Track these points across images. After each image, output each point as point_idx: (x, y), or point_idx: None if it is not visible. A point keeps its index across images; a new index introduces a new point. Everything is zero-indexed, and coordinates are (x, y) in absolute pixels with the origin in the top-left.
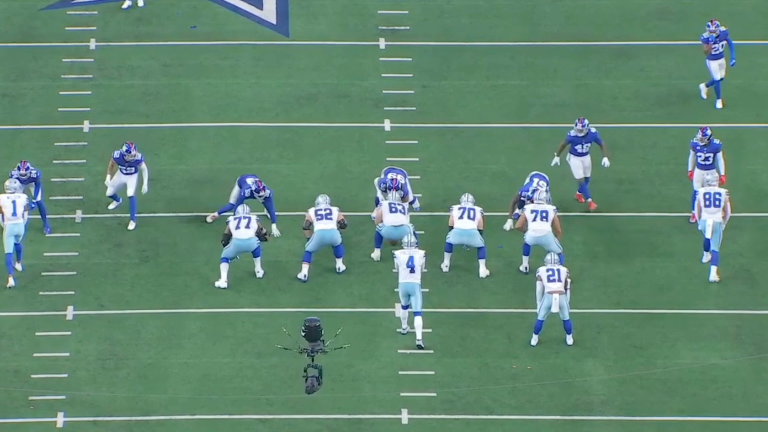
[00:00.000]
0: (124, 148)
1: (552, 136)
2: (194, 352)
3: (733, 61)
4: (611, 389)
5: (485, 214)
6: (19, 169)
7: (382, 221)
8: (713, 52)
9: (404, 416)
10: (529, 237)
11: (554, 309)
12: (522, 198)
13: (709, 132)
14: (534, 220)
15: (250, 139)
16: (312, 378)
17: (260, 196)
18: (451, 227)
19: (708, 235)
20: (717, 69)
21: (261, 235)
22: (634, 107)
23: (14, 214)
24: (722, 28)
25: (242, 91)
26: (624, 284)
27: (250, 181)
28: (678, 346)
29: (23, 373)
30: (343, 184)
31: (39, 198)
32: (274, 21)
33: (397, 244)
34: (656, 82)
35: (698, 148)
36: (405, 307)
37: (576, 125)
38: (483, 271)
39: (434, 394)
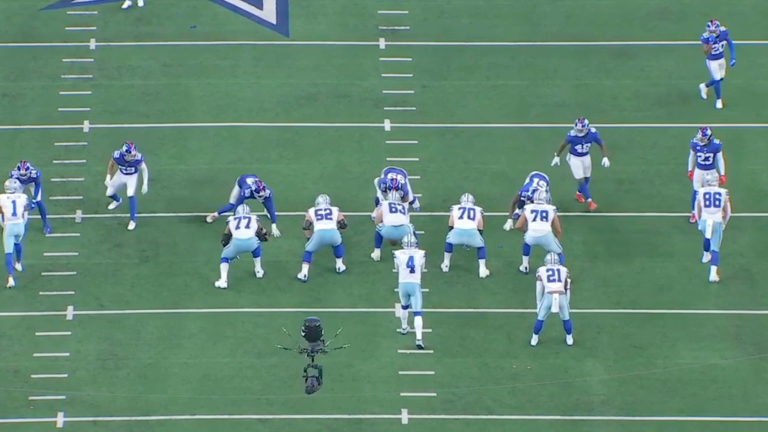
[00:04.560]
0: (124, 148)
1: (552, 136)
2: (194, 352)
3: (733, 61)
4: (611, 389)
5: (485, 214)
6: (19, 169)
7: (382, 221)
8: (713, 52)
9: (404, 416)
10: (529, 237)
11: (554, 309)
12: (522, 198)
13: (709, 132)
14: (534, 220)
15: (250, 139)
16: (312, 378)
17: (260, 196)
18: (451, 227)
19: (708, 235)
20: (717, 69)
21: (261, 235)
22: (634, 107)
23: (14, 214)
24: (722, 28)
25: (242, 91)
26: (624, 284)
27: (250, 181)
28: (678, 346)
29: (23, 373)
30: (343, 184)
31: (39, 198)
32: (274, 21)
33: (397, 244)
34: (656, 82)
35: (698, 148)
36: (405, 307)
37: (576, 125)
38: (483, 271)
39: (434, 394)
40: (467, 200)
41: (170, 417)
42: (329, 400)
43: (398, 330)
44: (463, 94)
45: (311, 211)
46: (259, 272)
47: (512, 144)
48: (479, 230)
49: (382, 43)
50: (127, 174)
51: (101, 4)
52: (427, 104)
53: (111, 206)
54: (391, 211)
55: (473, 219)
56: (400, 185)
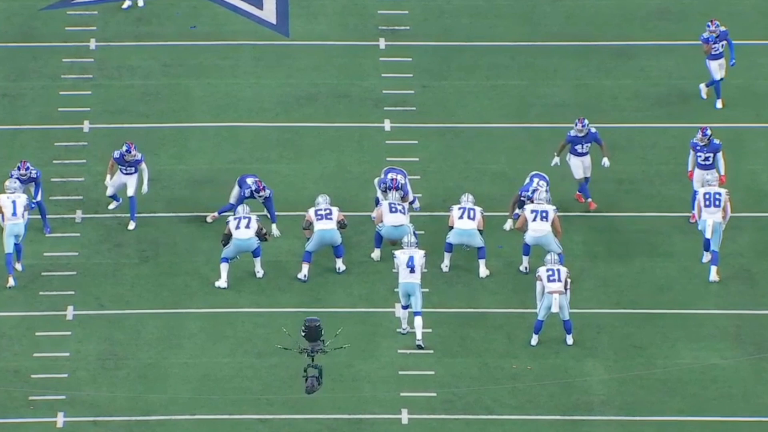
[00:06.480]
0: (124, 148)
1: (552, 136)
2: (194, 352)
3: (733, 61)
4: (611, 389)
5: (485, 214)
6: (19, 169)
7: (382, 221)
8: (713, 52)
9: (404, 416)
10: (529, 237)
11: (554, 309)
12: (522, 198)
13: (709, 132)
14: (534, 220)
15: (250, 139)
16: (312, 378)
17: (260, 196)
18: (451, 227)
19: (708, 235)
20: (717, 69)
21: (261, 235)
22: (634, 107)
23: (14, 214)
24: (722, 28)
25: (242, 91)
26: (624, 284)
27: (250, 181)
28: (678, 346)
29: (23, 373)
30: (343, 184)
31: (39, 198)
32: (274, 21)
33: (397, 244)
34: (656, 82)
35: (698, 148)
36: (405, 307)
37: (576, 125)
38: (483, 271)
39: (434, 394)
40: (467, 200)
41: (170, 417)
42: (329, 400)
43: (398, 330)
44: (463, 94)
45: (311, 211)
46: (259, 272)
47: (512, 144)
48: (479, 230)
49: (382, 43)
50: (127, 174)
51: (101, 4)
52: (427, 104)
53: (111, 206)
54: (391, 211)
55: (473, 219)
56: (400, 185)
